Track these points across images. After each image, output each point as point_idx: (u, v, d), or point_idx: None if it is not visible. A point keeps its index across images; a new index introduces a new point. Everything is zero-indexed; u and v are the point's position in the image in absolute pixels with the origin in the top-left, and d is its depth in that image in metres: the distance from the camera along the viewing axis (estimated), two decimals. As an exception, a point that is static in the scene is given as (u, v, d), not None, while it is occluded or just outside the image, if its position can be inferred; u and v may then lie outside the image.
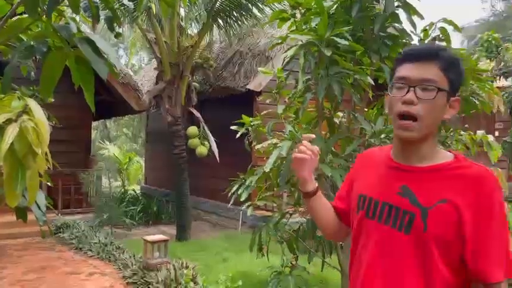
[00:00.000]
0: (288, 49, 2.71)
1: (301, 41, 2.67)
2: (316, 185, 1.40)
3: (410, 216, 1.15)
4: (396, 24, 2.93)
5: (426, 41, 3.15)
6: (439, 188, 1.14)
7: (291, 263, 3.17)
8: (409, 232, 1.15)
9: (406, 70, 1.17)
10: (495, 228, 1.11)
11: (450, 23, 3.07)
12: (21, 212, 2.05)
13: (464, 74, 1.20)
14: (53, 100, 2.37)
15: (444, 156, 1.20)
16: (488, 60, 9.59)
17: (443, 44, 3.17)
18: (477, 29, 19.44)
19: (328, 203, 1.47)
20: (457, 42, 21.27)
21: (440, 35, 3.19)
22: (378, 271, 1.20)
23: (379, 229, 1.21)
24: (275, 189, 3.27)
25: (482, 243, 1.11)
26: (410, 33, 2.94)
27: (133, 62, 24.14)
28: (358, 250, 1.28)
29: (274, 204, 3.54)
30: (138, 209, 8.43)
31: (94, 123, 16.85)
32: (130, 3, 5.89)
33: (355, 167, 1.44)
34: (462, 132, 4.18)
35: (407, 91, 1.14)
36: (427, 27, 3.14)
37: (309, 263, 3.63)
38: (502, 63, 9.52)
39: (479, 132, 4.24)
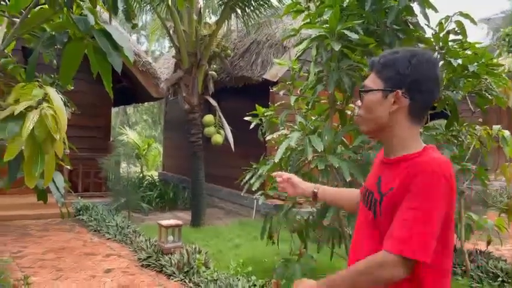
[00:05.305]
0: (301, 41, 2.74)
1: (315, 33, 2.70)
2: (312, 189, 1.69)
3: (375, 200, 1.34)
4: (410, 18, 2.93)
5: (441, 35, 3.13)
6: (393, 178, 1.28)
7: (299, 251, 3.24)
8: (374, 213, 1.34)
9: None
10: (406, 207, 1.20)
11: (466, 16, 3.04)
12: (42, 194, 2.17)
13: (406, 68, 1.28)
14: (72, 87, 2.48)
15: (414, 148, 1.30)
16: (510, 55, 9.36)
17: (459, 37, 3.16)
18: (503, 20, 18.85)
19: (342, 192, 1.74)
20: (482, 34, 20.68)
21: (456, 28, 3.17)
22: (353, 242, 1.45)
23: (362, 210, 1.43)
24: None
25: (394, 219, 1.22)
26: (424, 26, 2.94)
27: (154, 49, 24.34)
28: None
29: (286, 194, 3.60)
30: (155, 195, 8.61)
31: (114, 109, 17.13)
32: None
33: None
34: (477, 127, 4.13)
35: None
36: (443, 21, 3.12)
37: (318, 252, 3.70)
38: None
39: (496, 127, 4.19)
